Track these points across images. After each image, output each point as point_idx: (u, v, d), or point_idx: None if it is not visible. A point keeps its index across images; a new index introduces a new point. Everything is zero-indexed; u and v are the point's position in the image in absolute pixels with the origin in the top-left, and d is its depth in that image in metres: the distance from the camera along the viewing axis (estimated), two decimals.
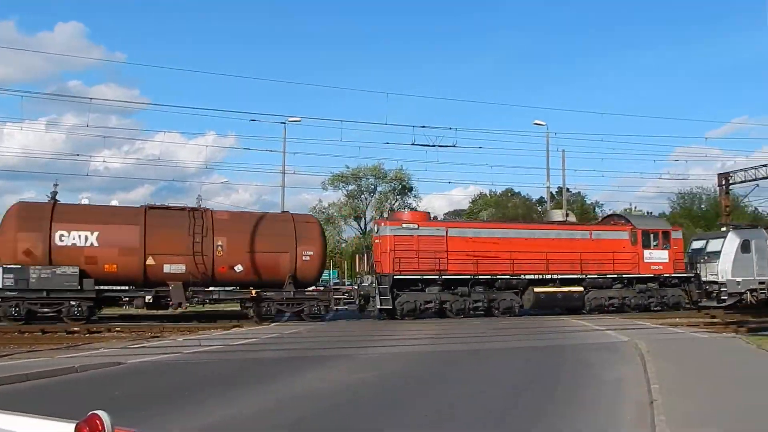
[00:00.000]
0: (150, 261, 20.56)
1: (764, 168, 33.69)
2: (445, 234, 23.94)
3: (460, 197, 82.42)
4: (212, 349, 14.25)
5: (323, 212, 53.63)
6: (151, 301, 20.64)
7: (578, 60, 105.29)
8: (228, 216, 23.59)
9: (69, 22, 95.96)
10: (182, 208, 22.59)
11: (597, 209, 63.41)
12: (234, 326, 20.33)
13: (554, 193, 48.83)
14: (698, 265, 28.02)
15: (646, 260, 26.32)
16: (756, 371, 10.18)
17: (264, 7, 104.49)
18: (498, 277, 24.17)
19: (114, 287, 20.50)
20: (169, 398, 8.54)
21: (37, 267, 19.41)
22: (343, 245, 57.35)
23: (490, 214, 59.28)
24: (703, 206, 54.33)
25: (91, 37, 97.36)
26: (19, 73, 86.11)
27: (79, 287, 19.61)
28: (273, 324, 21.31)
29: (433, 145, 28.75)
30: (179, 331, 18.76)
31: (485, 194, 67.15)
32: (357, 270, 24.99)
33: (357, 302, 24.42)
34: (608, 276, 25.73)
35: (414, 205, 52.85)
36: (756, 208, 48.75)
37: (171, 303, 20.93)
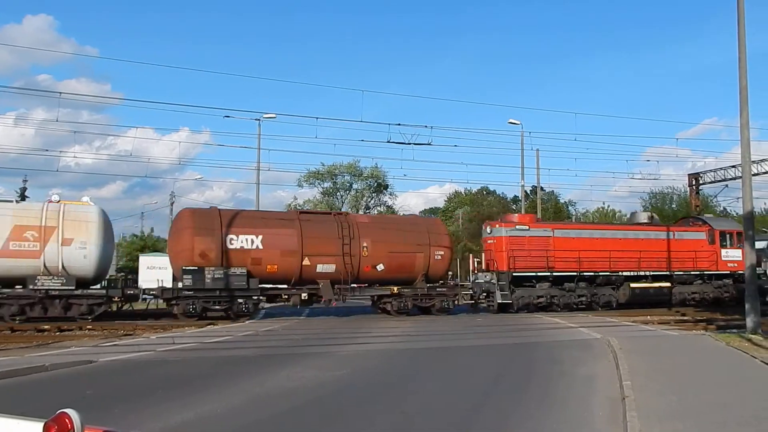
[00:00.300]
0: (306, 261, 22.61)
1: (733, 168, 34.45)
2: (551, 234, 26.19)
3: (436, 195, 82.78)
4: (186, 347, 14.10)
5: (298, 209, 53.43)
6: (306, 298, 22.70)
7: (552, 60, 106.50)
8: (368, 220, 26.72)
9: (38, 14, 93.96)
10: (329, 213, 26.28)
11: (570, 208, 64.23)
12: (208, 324, 20.17)
13: (528, 191, 49.23)
14: (763, 262, 29.72)
15: (723, 258, 28.76)
16: (724, 368, 10.41)
17: (238, 4, 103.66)
18: (599, 273, 26.47)
19: (275, 285, 22.71)
20: (142, 396, 8.43)
21: (212, 268, 21.23)
22: None
23: (465, 212, 59.65)
24: (674, 206, 55.35)
25: (61, 30, 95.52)
26: None
27: (246, 286, 21.49)
28: (248, 321, 21.20)
29: (409, 143, 28.77)
30: (152, 329, 18.55)
31: (460, 192, 67.59)
32: (471, 269, 27.59)
33: (472, 298, 26.00)
34: (691, 273, 28.29)
35: (390, 203, 52.97)
36: (725, 208, 49.91)
37: (322, 299, 22.90)
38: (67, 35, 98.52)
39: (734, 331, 15.96)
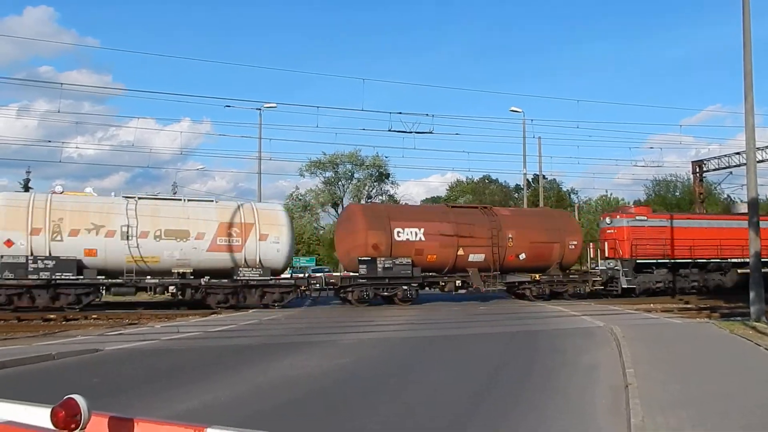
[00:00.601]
0: (460, 252, 24.64)
1: (737, 156, 34.28)
2: (666, 224, 28.31)
3: (437, 183, 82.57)
4: (190, 335, 14.17)
5: (300, 199, 53.42)
6: (460, 285, 24.93)
7: (554, 47, 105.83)
8: (509, 212, 28.88)
9: (38, 6, 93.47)
10: (476, 207, 28.77)
11: (572, 196, 64.12)
12: (212, 313, 20.27)
13: (530, 180, 49.14)
14: None
15: None
16: (728, 356, 10.42)
17: None
18: (710, 261, 28.59)
19: (434, 274, 24.89)
20: (147, 384, 8.49)
21: (382, 258, 23.55)
22: (321, 232, 57.20)
23: (467, 200, 59.57)
24: (677, 193, 55.22)
25: (62, 21, 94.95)
26: None
27: (411, 274, 23.89)
28: (251, 311, 21.29)
29: (410, 132, 28.71)
30: (157, 318, 18.64)
31: (462, 181, 67.46)
32: (591, 257, 30.42)
33: (602, 284, 27.90)
34: None
35: (391, 191, 52.89)
36: (729, 196, 49.69)
37: (473, 286, 24.84)
38: (68, 27, 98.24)
39: (738, 318, 15.98)
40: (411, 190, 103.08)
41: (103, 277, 20.55)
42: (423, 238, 24.19)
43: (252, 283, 22.15)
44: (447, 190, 68.82)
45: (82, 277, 20.12)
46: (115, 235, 20.64)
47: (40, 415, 1.75)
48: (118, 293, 21.60)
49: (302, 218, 51.81)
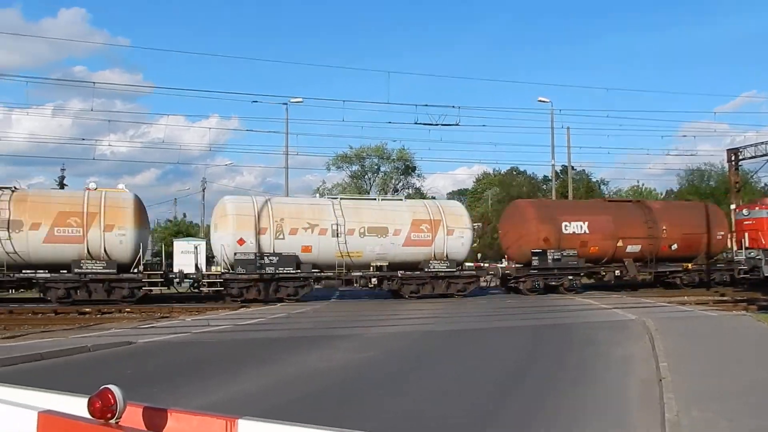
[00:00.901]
0: (620, 243, 26.52)
1: None
2: None
3: (464, 176, 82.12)
4: (220, 329, 14.36)
5: (327, 193, 53.52)
6: (618, 274, 26.63)
7: (583, 35, 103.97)
8: (661, 206, 30.72)
9: (71, 8, 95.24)
10: (630, 201, 30.29)
11: (603, 187, 63.03)
12: (241, 306, 20.50)
13: (559, 171, 48.47)
14: None
15: None
16: (765, 349, 10.18)
17: None
18: None
19: (595, 264, 26.68)
20: (179, 376, 8.64)
21: (552, 250, 25.32)
22: None
23: (495, 193, 59.04)
24: (712, 182, 53.89)
25: (94, 22, 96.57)
26: (25, 59, 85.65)
27: (577, 264, 25.67)
28: (279, 305, 21.48)
29: (436, 124, 28.58)
30: (188, 312, 18.92)
31: (489, 173, 66.82)
32: (729, 246, 31.21)
33: (746, 272, 28.73)
34: None
35: (417, 185, 52.71)
36: (766, 184, 48.36)
37: (627, 275, 26.59)
38: (100, 27, 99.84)
39: None
40: (437, 182, 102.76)
41: (318, 270, 22.87)
42: (587, 231, 26.10)
43: (441, 274, 24.13)
44: (474, 182, 68.29)
45: (299, 271, 22.48)
46: (326, 233, 22.92)
47: (77, 404, 1.78)
48: (327, 285, 23.90)
49: None
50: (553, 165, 38.78)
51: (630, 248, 26.69)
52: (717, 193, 47.10)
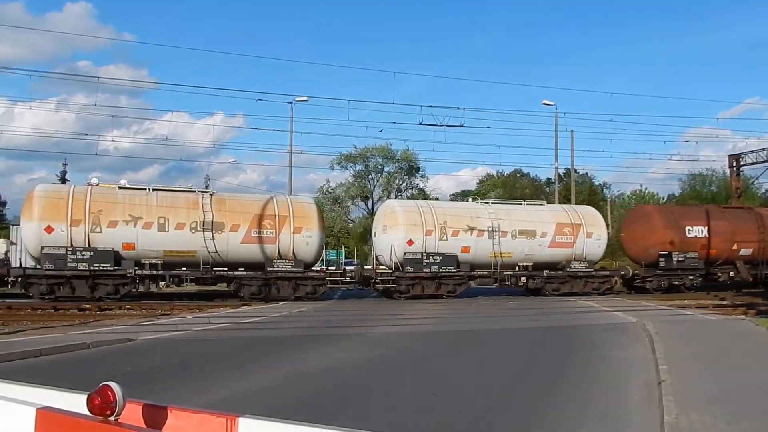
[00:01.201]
0: (734, 246, 28.79)
1: None
2: None
3: (467, 177, 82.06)
4: (221, 326, 14.36)
5: (331, 192, 53.55)
6: (733, 275, 28.88)
7: (587, 39, 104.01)
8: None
9: (77, 2, 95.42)
10: (741, 207, 32.28)
11: (605, 190, 63.03)
12: (243, 305, 20.51)
13: (562, 174, 48.46)
14: None
15: None
16: (765, 353, 10.16)
17: None
18: None
19: (711, 267, 28.70)
20: (179, 374, 8.63)
21: (676, 252, 27.63)
22: (351, 225, 57.30)
23: (498, 194, 59.02)
24: (713, 188, 53.87)
25: (100, 17, 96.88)
26: (29, 53, 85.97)
27: (697, 266, 28.03)
28: (281, 303, 21.50)
29: (441, 125, 28.60)
30: (189, 309, 18.93)
31: (492, 175, 66.83)
32: None
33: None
34: None
35: (421, 185, 52.73)
36: (767, 190, 48.32)
37: (739, 276, 28.81)
38: (105, 22, 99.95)
39: None
40: (441, 183, 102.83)
41: (473, 271, 25.18)
42: (707, 235, 28.27)
43: (580, 274, 26.52)
44: (477, 183, 68.31)
45: (459, 269, 24.72)
46: (483, 235, 25.19)
47: (76, 401, 1.78)
48: (482, 283, 26.48)
49: (333, 211, 51.95)
50: (556, 168, 38.85)
51: (743, 251, 28.93)
52: (718, 199, 47.10)
